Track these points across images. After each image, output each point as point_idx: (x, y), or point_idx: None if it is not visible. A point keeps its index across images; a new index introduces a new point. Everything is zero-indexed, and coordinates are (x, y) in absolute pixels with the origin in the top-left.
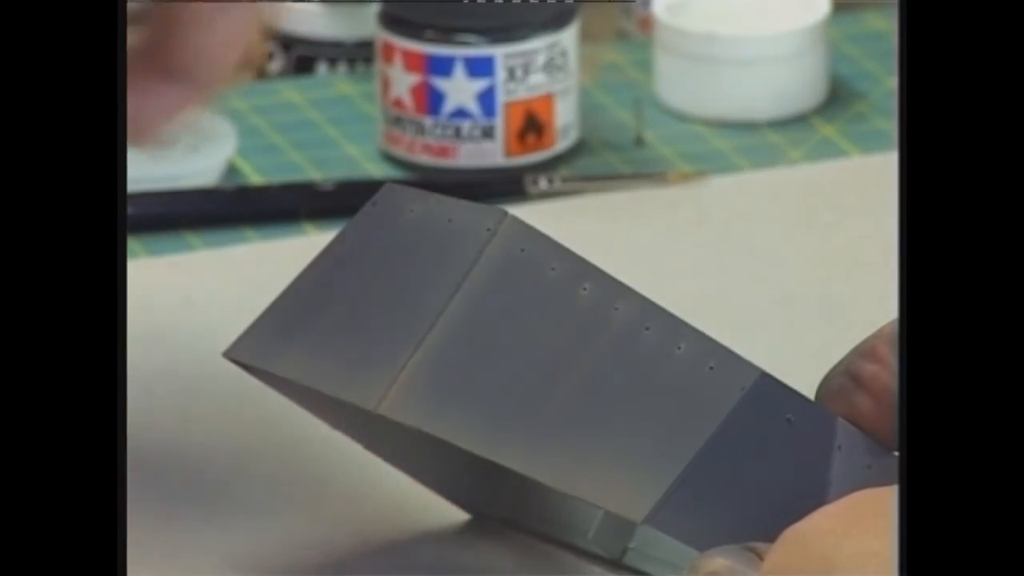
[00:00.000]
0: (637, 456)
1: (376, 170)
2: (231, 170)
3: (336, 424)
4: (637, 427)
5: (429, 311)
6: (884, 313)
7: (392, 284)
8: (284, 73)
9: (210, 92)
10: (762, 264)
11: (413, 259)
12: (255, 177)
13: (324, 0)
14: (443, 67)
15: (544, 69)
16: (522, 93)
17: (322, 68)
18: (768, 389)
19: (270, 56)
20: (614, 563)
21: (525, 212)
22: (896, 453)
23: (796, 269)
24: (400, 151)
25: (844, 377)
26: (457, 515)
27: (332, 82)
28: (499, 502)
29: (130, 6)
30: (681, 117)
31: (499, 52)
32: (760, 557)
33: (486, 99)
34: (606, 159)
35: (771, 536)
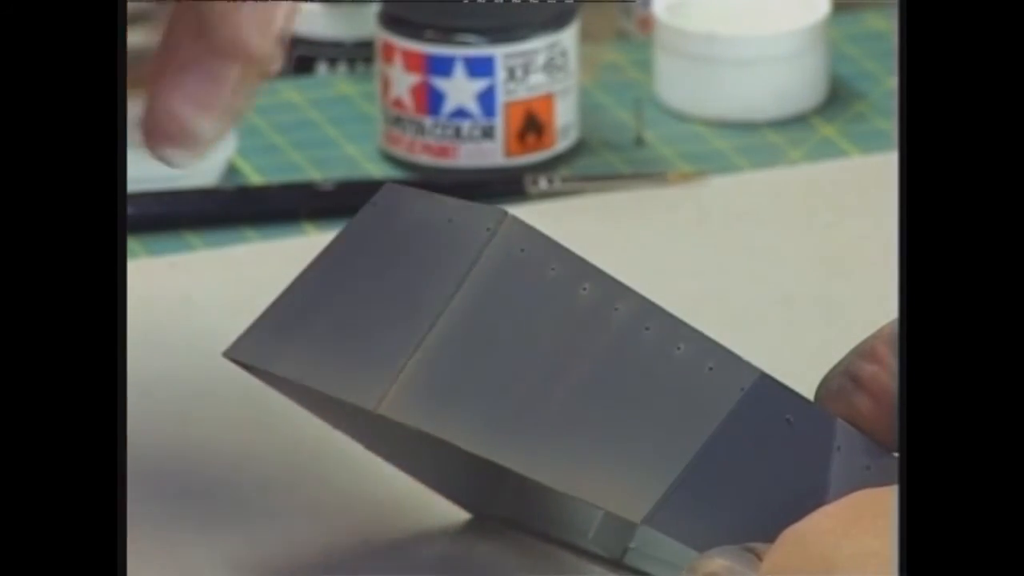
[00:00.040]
0: (636, 456)
1: (376, 170)
2: (231, 170)
3: (336, 424)
4: (636, 427)
5: (429, 311)
6: (884, 313)
7: (392, 284)
8: (284, 73)
9: (243, 81)
10: (762, 264)
11: (413, 259)
12: (255, 177)
13: (324, 0)
14: (443, 67)
15: (544, 69)
16: (522, 93)
17: (322, 68)
18: (767, 390)
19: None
20: (614, 563)
21: (525, 212)
22: (895, 454)
23: (796, 269)
24: (400, 151)
25: (843, 378)
26: (457, 514)
27: (332, 82)
28: (499, 501)
29: (131, 6)
30: (681, 117)
31: (499, 52)
32: (759, 558)
33: (486, 99)
34: (606, 159)
35: (770, 537)
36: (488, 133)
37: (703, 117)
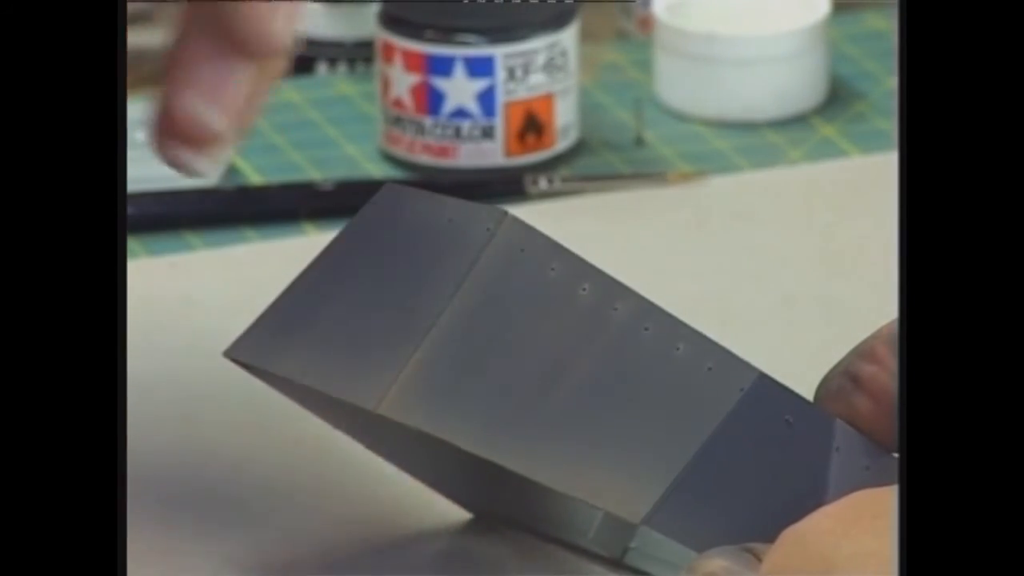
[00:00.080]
0: (635, 457)
1: (376, 170)
2: (231, 170)
3: (337, 423)
4: (635, 427)
5: (429, 311)
6: (884, 313)
7: (392, 284)
8: (284, 73)
9: (256, 80)
10: (762, 264)
11: (413, 259)
12: (255, 177)
13: (324, 0)
14: (443, 67)
15: (544, 69)
16: (522, 93)
17: (322, 68)
18: (767, 390)
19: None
20: (615, 563)
21: (525, 212)
22: (894, 454)
23: (796, 269)
24: (400, 151)
25: (843, 378)
26: (458, 514)
27: (332, 82)
28: (500, 501)
29: (131, 6)
30: (681, 117)
31: (499, 52)
32: (758, 558)
33: (486, 99)
34: (606, 159)
35: (769, 537)
36: (488, 133)
37: (703, 117)
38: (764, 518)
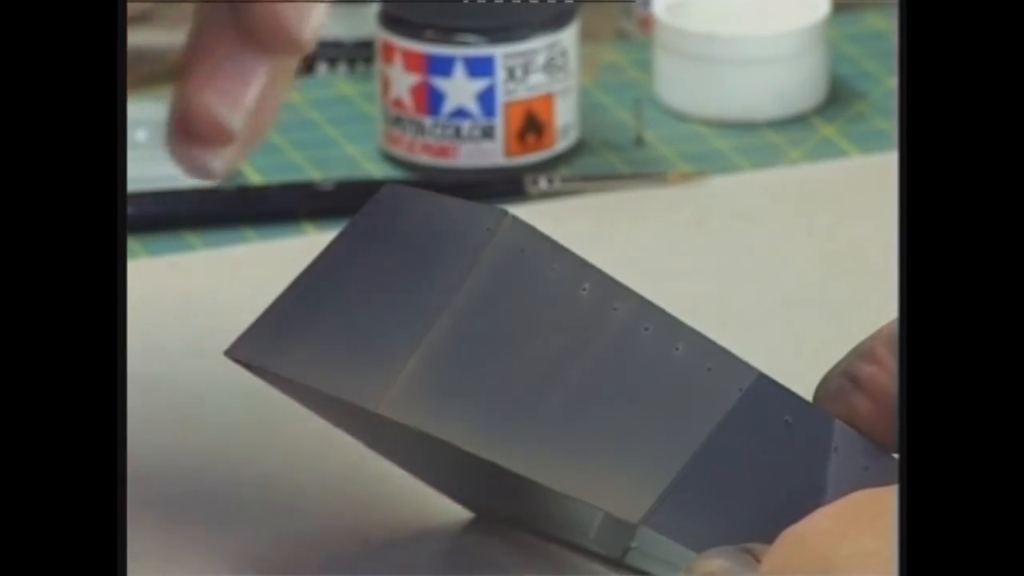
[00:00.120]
0: (635, 457)
1: (376, 170)
2: None
3: (337, 422)
4: (635, 427)
5: (429, 311)
6: (884, 314)
7: (392, 284)
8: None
9: (275, 78)
10: (762, 264)
11: (413, 259)
12: (255, 177)
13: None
14: (443, 67)
15: (544, 69)
16: (522, 93)
17: (322, 68)
18: (766, 390)
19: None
20: (616, 562)
21: (525, 212)
22: (893, 454)
23: (796, 269)
24: (400, 151)
25: (842, 378)
26: (459, 513)
27: (332, 82)
28: (500, 500)
29: (131, 6)
30: (681, 117)
31: (499, 52)
32: (756, 558)
33: (486, 99)
34: (606, 159)
35: (768, 537)
36: (488, 133)
37: (703, 117)
38: (763, 518)
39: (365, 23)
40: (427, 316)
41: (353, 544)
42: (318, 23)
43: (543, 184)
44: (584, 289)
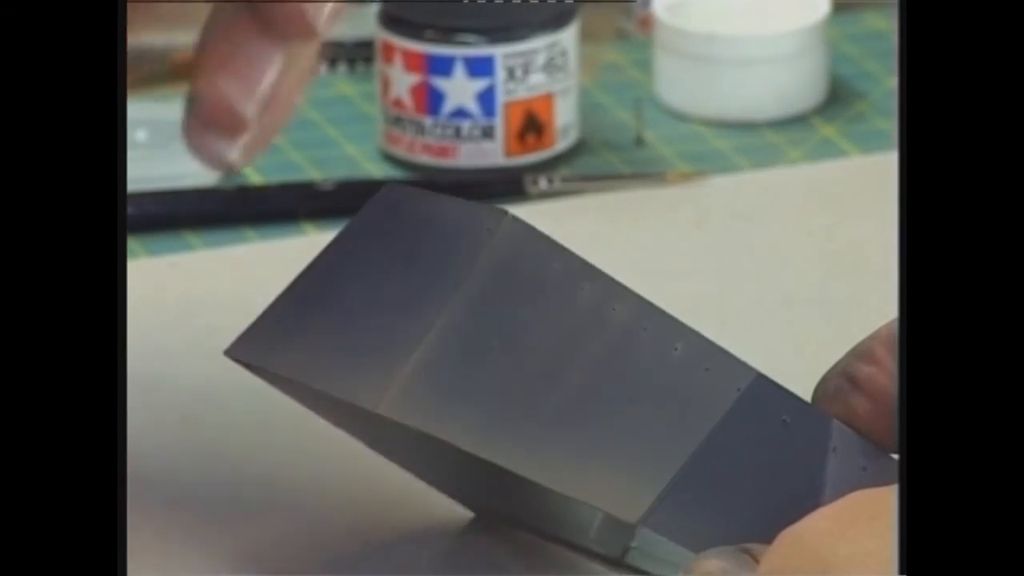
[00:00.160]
0: (633, 457)
1: (376, 170)
2: None
3: (337, 422)
4: (633, 427)
5: (429, 311)
6: (883, 314)
7: (392, 284)
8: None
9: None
10: (762, 264)
11: (413, 259)
12: (255, 177)
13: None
14: (443, 67)
15: (544, 69)
16: (522, 93)
17: (322, 68)
18: (764, 391)
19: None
20: (616, 562)
21: (525, 212)
22: (892, 455)
23: (796, 269)
24: (400, 151)
25: (840, 379)
26: (459, 513)
27: (332, 82)
28: (500, 500)
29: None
30: (681, 117)
31: (499, 52)
32: (755, 559)
33: (486, 99)
34: (606, 159)
35: (767, 538)
36: (488, 133)
37: (703, 117)
38: (761, 518)
39: (365, 23)
40: (427, 316)
41: (353, 544)
42: (335, 11)
43: (543, 184)
44: (584, 289)
